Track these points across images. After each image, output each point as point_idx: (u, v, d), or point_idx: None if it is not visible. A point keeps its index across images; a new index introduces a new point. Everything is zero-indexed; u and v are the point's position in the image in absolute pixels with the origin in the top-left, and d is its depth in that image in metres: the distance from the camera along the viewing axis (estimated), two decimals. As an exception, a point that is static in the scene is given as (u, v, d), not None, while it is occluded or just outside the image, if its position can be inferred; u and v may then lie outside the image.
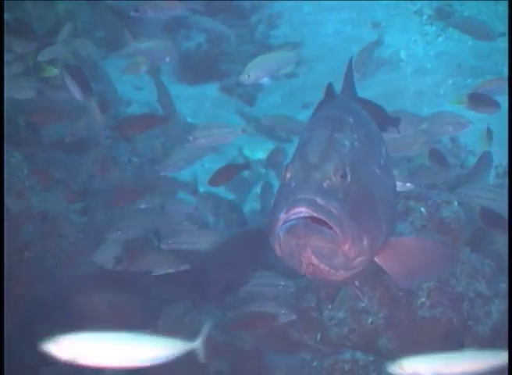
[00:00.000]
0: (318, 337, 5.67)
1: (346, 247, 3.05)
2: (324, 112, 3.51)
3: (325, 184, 3.09)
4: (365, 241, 3.12)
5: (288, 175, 3.18)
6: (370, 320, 5.60)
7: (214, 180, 6.07)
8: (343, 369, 5.40)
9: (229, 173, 6.14)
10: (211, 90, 10.15)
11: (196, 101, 9.23)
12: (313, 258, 3.07)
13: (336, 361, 5.45)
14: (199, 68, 10.40)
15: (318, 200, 3.03)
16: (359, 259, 3.13)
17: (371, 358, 5.48)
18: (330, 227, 3.02)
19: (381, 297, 5.53)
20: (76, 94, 6.01)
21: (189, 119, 8.69)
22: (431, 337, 5.53)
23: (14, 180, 6.22)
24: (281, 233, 3.05)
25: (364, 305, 5.56)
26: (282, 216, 3.05)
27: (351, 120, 3.42)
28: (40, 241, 6.27)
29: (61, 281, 6.21)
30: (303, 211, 3.01)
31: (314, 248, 3.02)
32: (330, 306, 5.67)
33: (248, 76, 6.04)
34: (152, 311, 6.21)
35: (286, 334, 5.71)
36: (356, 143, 3.32)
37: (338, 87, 3.90)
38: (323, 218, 3.00)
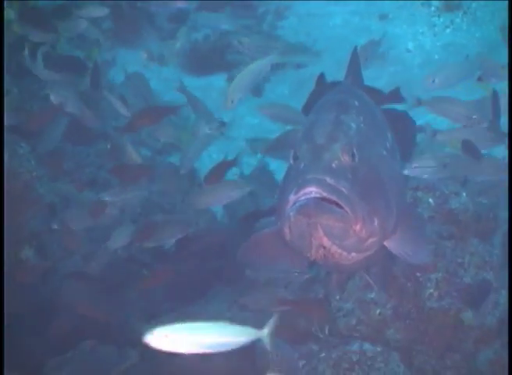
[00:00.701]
0: (327, 329, 5.67)
1: (358, 227, 3.02)
2: (329, 96, 3.51)
3: (333, 165, 3.07)
4: (376, 222, 3.09)
5: (295, 157, 3.17)
6: (378, 311, 5.60)
7: (209, 179, 6.14)
8: (351, 359, 5.40)
9: (221, 171, 6.18)
10: (219, 81, 10.14)
11: (203, 91, 9.21)
12: (324, 239, 3.04)
13: (344, 352, 5.45)
14: (206, 59, 10.40)
15: (328, 180, 3.00)
16: (371, 240, 3.11)
17: (379, 349, 5.48)
18: (341, 207, 3.00)
19: (389, 288, 5.53)
20: (121, 110, 6.07)
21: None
22: (439, 328, 5.54)
23: (22, 170, 6.22)
24: (291, 214, 3.01)
25: (373, 295, 5.56)
26: (292, 198, 3.02)
27: (356, 103, 3.43)
28: (47, 232, 6.28)
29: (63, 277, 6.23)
30: (313, 191, 2.98)
31: (326, 227, 2.99)
32: (338, 297, 5.68)
33: (232, 101, 6.05)
34: (158, 305, 6.23)
35: (294, 325, 5.72)
36: (362, 125, 3.31)
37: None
38: (333, 198, 2.97)
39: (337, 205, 2.99)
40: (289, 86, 9.97)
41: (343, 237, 3.04)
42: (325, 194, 2.98)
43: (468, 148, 5.59)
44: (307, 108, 4.85)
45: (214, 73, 10.32)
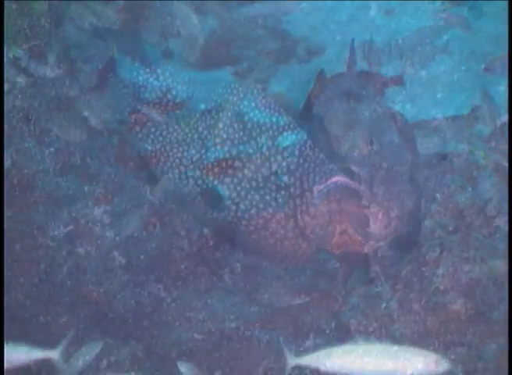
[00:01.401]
0: (333, 323, 5.68)
1: (380, 214, 3.09)
2: (335, 86, 3.56)
3: (354, 154, 3.12)
4: (395, 210, 3.16)
5: (311, 148, 3.21)
6: (383, 306, 5.61)
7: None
8: (356, 354, 5.40)
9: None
10: (225, 75, 10.15)
11: (208, 86, 9.23)
12: (348, 226, 3.11)
13: (349, 346, 5.45)
14: (212, 53, 10.41)
15: (351, 168, 3.06)
16: (388, 229, 3.17)
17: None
18: (365, 195, 3.05)
19: (394, 282, 5.53)
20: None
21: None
22: (445, 323, 5.54)
23: (27, 164, 6.23)
24: (319, 200, 3.07)
25: (378, 289, 5.57)
26: (318, 187, 3.08)
27: (364, 93, 3.47)
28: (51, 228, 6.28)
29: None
30: (339, 180, 3.05)
31: (351, 213, 3.06)
32: (343, 291, 5.69)
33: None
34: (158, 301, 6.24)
35: (299, 319, 5.72)
36: (373, 114, 3.36)
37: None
38: (359, 186, 3.03)
39: (362, 192, 3.06)
40: (293, 80, 9.97)
41: (365, 223, 3.11)
42: (350, 183, 3.04)
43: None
44: (309, 104, 4.88)
45: (220, 67, 10.34)
